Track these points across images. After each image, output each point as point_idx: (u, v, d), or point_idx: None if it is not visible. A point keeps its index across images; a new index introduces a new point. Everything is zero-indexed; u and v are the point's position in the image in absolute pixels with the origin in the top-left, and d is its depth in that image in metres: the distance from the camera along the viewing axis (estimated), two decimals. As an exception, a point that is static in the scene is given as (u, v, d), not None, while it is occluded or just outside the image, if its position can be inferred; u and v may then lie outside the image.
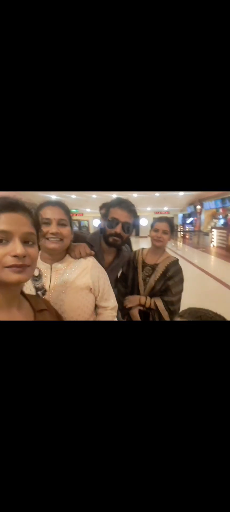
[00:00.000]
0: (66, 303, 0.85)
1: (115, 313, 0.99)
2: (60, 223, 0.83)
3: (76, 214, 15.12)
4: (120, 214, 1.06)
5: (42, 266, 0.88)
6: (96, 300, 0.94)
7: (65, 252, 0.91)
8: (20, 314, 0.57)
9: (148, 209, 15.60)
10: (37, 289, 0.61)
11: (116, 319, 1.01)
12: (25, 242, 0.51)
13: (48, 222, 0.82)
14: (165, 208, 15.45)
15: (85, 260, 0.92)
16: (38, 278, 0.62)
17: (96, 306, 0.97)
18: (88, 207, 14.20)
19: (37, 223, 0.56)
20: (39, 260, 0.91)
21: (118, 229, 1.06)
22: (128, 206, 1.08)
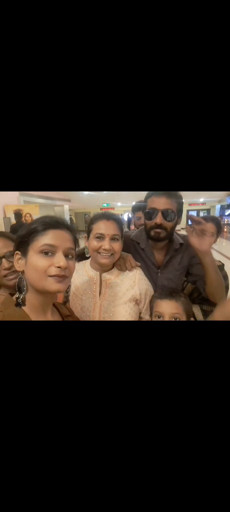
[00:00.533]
0: (115, 314, 0.85)
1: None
2: (113, 238, 0.82)
3: (108, 209, 15.27)
4: (158, 202, 0.91)
5: (91, 273, 0.90)
6: (140, 313, 0.92)
7: (113, 263, 0.91)
8: (53, 319, 0.65)
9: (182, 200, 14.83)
10: (65, 297, 0.62)
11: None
12: (66, 255, 0.58)
13: (101, 237, 0.80)
14: (201, 199, 14.48)
15: (133, 272, 0.90)
16: (68, 289, 0.64)
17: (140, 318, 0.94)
18: (119, 201, 14.19)
19: (76, 239, 0.64)
20: (89, 266, 0.94)
21: (158, 219, 0.91)
22: (166, 193, 0.92)
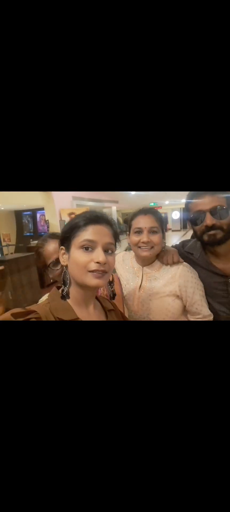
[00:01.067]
0: (152, 307, 0.89)
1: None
2: (151, 231, 0.86)
3: (155, 208, 15.00)
4: (203, 203, 0.83)
5: (135, 265, 0.96)
6: (186, 307, 0.91)
7: (156, 257, 0.93)
8: (95, 312, 0.65)
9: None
10: (111, 292, 0.67)
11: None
12: (105, 250, 0.59)
13: (139, 231, 0.86)
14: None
15: (175, 267, 0.90)
16: (112, 283, 0.66)
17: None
18: (166, 199, 13.75)
19: (116, 234, 0.63)
20: (134, 260, 1.00)
21: (208, 219, 0.82)
22: (208, 190, 0.82)
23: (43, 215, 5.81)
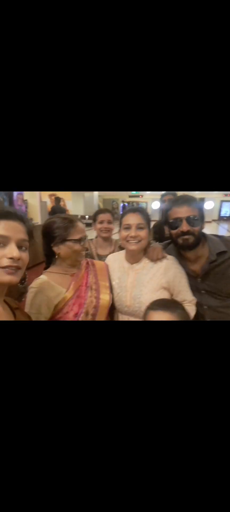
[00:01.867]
0: (143, 302, 0.97)
1: (193, 307, 1.00)
2: (139, 227, 0.96)
3: (136, 196, 15.17)
4: (180, 211, 0.97)
5: (125, 264, 1.06)
6: (173, 296, 1.00)
7: (143, 254, 1.03)
8: (4, 311, 0.63)
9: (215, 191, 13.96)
10: (21, 292, 0.66)
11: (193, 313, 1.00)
12: (19, 247, 0.57)
13: (128, 227, 0.96)
14: (237, 190, 13.43)
15: (160, 262, 1.00)
16: (23, 282, 0.64)
17: None
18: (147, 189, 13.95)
19: (30, 232, 0.63)
20: (124, 259, 1.08)
21: (184, 226, 0.95)
22: (186, 200, 0.98)
23: (21, 194, 5.58)
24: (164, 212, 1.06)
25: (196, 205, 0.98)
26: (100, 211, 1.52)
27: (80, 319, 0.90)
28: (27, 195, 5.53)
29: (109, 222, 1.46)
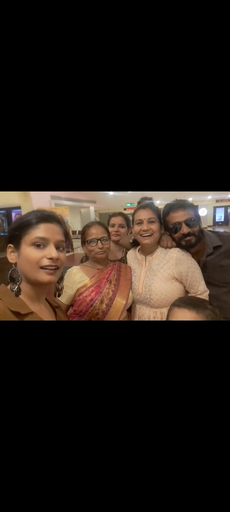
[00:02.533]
0: (153, 290, 1.06)
1: (206, 298, 1.07)
2: (150, 221, 1.06)
3: (131, 208, 15.40)
4: (177, 216, 1.06)
5: (139, 257, 1.16)
6: (186, 287, 1.08)
7: (157, 245, 1.13)
8: (46, 309, 0.68)
9: (209, 197, 14.30)
10: (57, 289, 0.72)
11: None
12: (57, 247, 0.61)
13: (140, 222, 1.06)
14: (229, 195, 13.80)
15: (171, 253, 1.09)
16: (60, 280, 0.70)
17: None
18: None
19: (66, 233, 0.66)
20: (138, 252, 1.18)
21: (184, 229, 1.05)
22: (181, 205, 1.07)
23: (19, 214, 5.69)
24: (162, 220, 1.15)
25: (191, 208, 1.08)
26: (112, 215, 1.47)
27: (94, 305, 1.02)
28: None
29: (121, 226, 1.40)
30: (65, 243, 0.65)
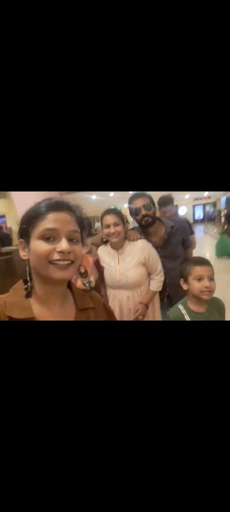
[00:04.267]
0: (129, 275, 1.34)
1: (161, 278, 1.40)
2: (115, 224, 1.34)
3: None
4: (136, 202, 1.41)
5: (111, 251, 1.41)
6: (148, 269, 1.39)
7: (124, 241, 1.42)
8: (61, 310, 0.59)
9: (187, 196, 15.05)
10: (84, 285, 0.73)
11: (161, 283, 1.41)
12: (70, 239, 0.54)
13: (108, 226, 1.34)
14: (205, 194, 14.63)
15: (137, 244, 1.38)
16: (85, 275, 0.64)
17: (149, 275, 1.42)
18: (125, 203, 14.66)
19: (81, 222, 0.58)
20: (110, 248, 1.41)
21: (143, 211, 1.39)
22: (139, 195, 1.40)
23: (4, 223, 5.71)
24: (129, 208, 1.49)
25: (147, 196, 1.43)
26: (104, 212, 1.38)
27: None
28: (10, 222, 5.66)
29: (116, 225, 1.32)
30: (79, 234, 0.57)
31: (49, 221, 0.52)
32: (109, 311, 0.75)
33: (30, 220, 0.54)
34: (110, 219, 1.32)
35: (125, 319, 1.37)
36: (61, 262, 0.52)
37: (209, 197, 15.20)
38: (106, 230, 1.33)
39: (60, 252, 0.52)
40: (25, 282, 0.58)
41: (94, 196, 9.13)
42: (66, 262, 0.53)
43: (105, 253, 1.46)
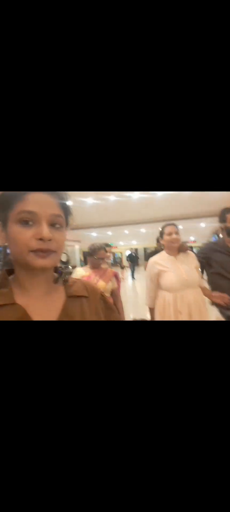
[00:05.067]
0: (194, 275, 1.56)
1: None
2: (176, 233, 1.58)
3: (112, 247, 17.14)
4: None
5: (170, 257, 1.59)
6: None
7: (177, 251, 1.61)
8: (47, 298, 0.53)
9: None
10: (64, 274, 0.60)
11: None
12: (52, 224, 0.48)
13: (170, 233, 1.56)
14: (192, 238, 16.21)
15: (190, 253, 1.66)
16: (66, 263, 0.59)
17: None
18: (121, 240, 16.15)
19: (65, 205, 0.52)
20: (166, 255, 1.63)
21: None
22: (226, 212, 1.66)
23: None
24: (221, 219, 1.70)
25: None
26: (165, 224, 1.65)
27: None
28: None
29: (176, 233, 1.61)
30: (63, 219, 0.50)
31: (28, 203, 0.46)
32: (108, 304, 0.66)
33: (7, 200, 0.47)
34: (171, 229, 1.56)
35: (195, 318, 1.42)
36: (41, 253, 0.46)
37: (195, 241, 16.65)
38: (167, 237, 1.56)
39: (40, 239, 0.45)
40: (9, 271, 0.53)
41: (94, 233, 10.51)
42: (46, 251, 0.46)
43: (164, 260, 1.59)
